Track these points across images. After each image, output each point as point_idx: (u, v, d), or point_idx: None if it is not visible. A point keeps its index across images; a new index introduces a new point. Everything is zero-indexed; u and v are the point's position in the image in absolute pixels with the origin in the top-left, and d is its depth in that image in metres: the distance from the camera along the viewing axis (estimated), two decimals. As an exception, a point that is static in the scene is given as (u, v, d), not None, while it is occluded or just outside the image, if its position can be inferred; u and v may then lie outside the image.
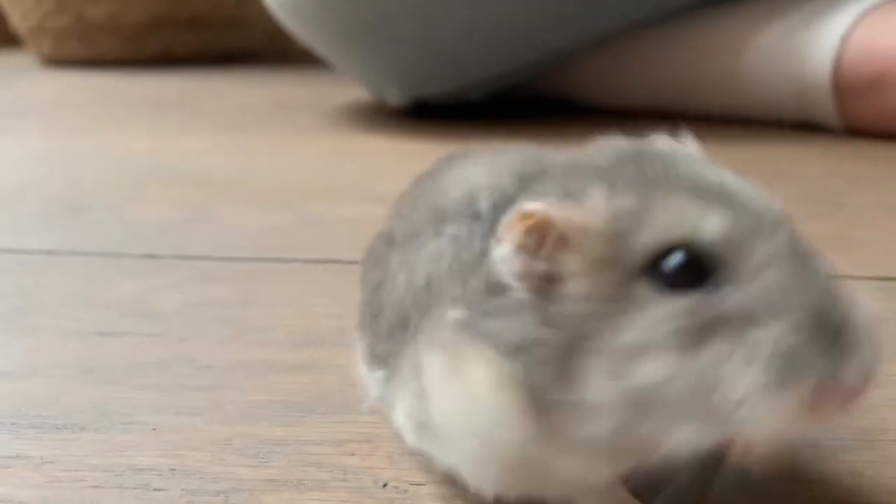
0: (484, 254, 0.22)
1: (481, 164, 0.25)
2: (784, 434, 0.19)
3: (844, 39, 0.75)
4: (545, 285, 0.20)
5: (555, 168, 0.23)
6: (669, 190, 0.20)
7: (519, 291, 0.21)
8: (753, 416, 0.19)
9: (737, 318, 0.19)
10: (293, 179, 0.68)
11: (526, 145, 0.27)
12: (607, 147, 0.23)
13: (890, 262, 0.46)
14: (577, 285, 0.20)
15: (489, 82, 0.89)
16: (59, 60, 1.47)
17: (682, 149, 0.23)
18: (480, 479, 0.23)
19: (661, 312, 0.19)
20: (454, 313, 0.22)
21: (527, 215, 0.20)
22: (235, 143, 0.82)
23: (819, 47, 0.76)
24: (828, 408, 0.19)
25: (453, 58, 0.85)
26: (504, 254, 0.21)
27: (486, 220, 0.23)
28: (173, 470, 0.28)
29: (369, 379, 0.27)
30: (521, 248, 0.20)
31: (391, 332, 0.24)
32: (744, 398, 0.19)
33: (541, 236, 0.20)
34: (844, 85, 0.76)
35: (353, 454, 0.29)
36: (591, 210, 0.20)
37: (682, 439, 0.19)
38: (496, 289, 0.21)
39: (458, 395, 0.22)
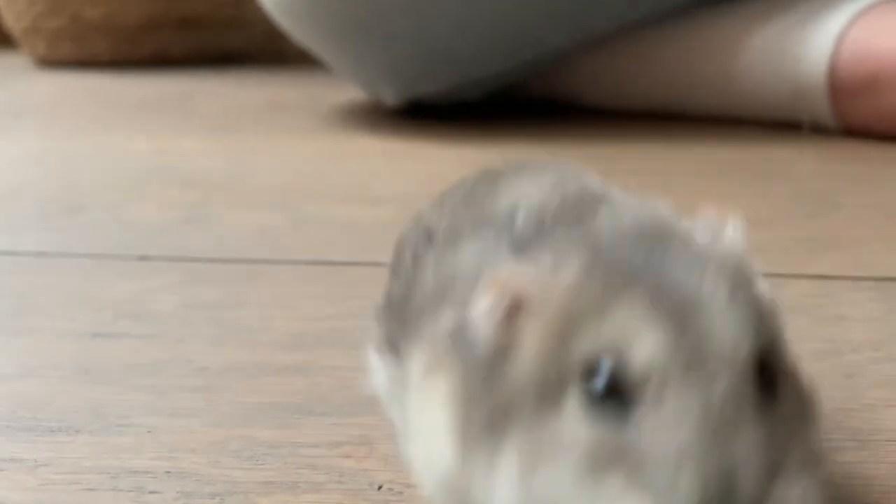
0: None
1: (541, 180, 0.25)
2: None
3: (839, 39, 0.75)
4: (502, 350, 0.20)
5: (582, 217, 0.22)
6: (634, 292, 0.19)
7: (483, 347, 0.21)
8: None
9: (636, 458, 0.18)
10: (289, 180, 0.68)
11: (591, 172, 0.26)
12: (627, 210, 0.22)
13: (885, 262, 0.46)
14: (524, 364, 0.20)
15: (484, 82, 0.89)
16: (53, 61, 1.47)
17: (720, 231, 0.22)
18: (422, 485, 0.23)
19: (577, 428, 0.19)
20: (452, 317, 0.22)
21: (498, 281, 0.20)
22: (231, 144, 0.82)
23: (814, 47, 0.76)
24: None
25: (447, 55, 0.85)
26: (476, 311, 0.21)
27: (516, 237, 0.22)
28: (168, 472, 0.28)
29: (378, 364, 0.26)
30: (488, 312, 0.20)
31: (410, 323, 0.24)
32: None
33: (507, 306, 0.20)
34: (840, 85, 0.76)
35: (348, 456, 0.29)
36: (556, 287, 0.20)
37: None
38: None
39: (422, 398, 0.22)
